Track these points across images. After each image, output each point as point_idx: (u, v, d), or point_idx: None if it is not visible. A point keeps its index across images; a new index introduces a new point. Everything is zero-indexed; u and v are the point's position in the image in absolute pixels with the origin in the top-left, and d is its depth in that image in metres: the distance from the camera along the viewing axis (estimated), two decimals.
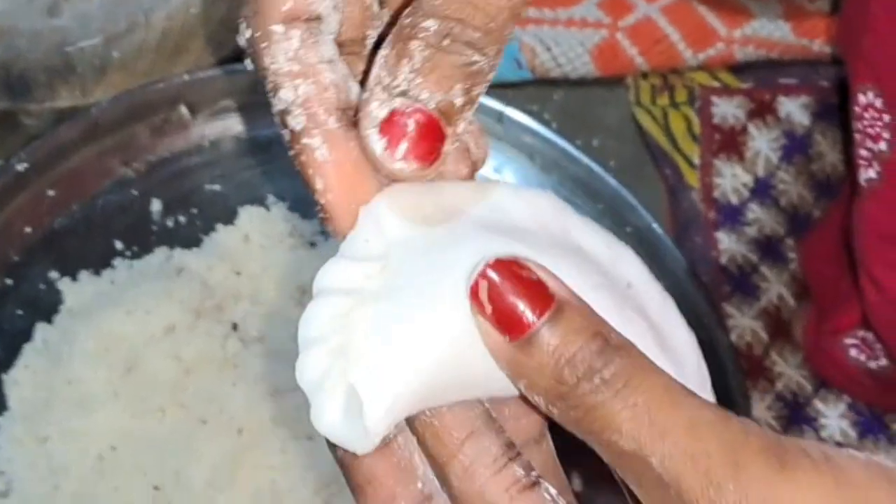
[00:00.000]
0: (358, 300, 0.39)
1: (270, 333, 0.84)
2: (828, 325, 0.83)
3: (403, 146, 0.39)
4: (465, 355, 0.38)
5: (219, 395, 0.80)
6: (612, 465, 0.37)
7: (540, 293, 0.37)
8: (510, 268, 0.37)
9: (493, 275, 0.37)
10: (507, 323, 0.37)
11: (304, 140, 0.41)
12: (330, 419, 0.38)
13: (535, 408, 0.39)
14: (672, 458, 0.35)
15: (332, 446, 0.39)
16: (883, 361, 0.81)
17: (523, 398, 0.39)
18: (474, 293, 0.37)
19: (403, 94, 0.40)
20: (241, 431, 0.79)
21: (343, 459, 0.39)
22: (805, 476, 0.34)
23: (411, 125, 0.39)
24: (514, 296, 0.37)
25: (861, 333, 0.81)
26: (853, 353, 0.82)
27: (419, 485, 0.40)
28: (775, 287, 0.88)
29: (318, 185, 0.41)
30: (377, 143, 0.40)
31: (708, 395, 0.41)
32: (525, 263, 0.37)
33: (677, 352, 0.41)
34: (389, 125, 0.40)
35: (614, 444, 0.36)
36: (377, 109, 0.40)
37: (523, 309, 0.37)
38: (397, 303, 0.39)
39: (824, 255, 0.86)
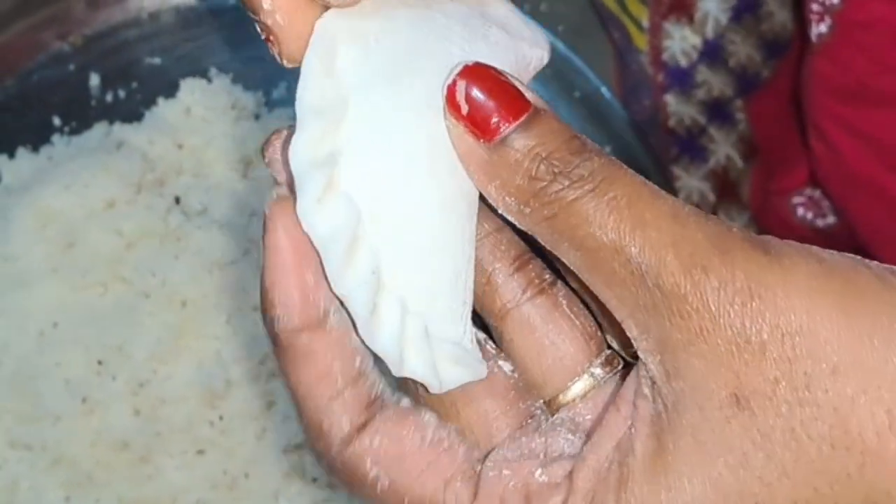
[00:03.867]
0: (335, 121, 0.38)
1: (213, 206, 0.83)
2: (775, 185, 0.83)
3: None
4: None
5: (161, 268, 0.79)
6: (580, 270, 0.36)
7: (516, 97, 0.37)
8: (487, 72, 0.37)
9: (470, 76, 0.37)
10: (483, 124, 0.36)
11: None
12: (447, 376, 0.38)
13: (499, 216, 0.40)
14: (654, 245, 0.35)
15: (267, 320, 0.38)
16: (830, 219, 0.81)
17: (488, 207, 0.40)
18: (451, 94, 0.37)
19: None
20: (185, 304, 0.78)
21: (280, 333, 0.37)
22: (790, 260, 0.35)
23: None
24: (491, 96, 0.37)
25: (808, 192, 0.81)
26: (800, 211, 0.82)
27: (356, 361, 0.38)
28: (723, 148, 0.88)
29: (266, 4, 0.37)
30: None
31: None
32: (501, 72, 0.37)
33: (525, 36, 0.41)
34: None
35: (589, 238, 0.35)
36: None
37: (500, 110, 0.37)
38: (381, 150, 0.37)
39: (773, 114, 0.85)
